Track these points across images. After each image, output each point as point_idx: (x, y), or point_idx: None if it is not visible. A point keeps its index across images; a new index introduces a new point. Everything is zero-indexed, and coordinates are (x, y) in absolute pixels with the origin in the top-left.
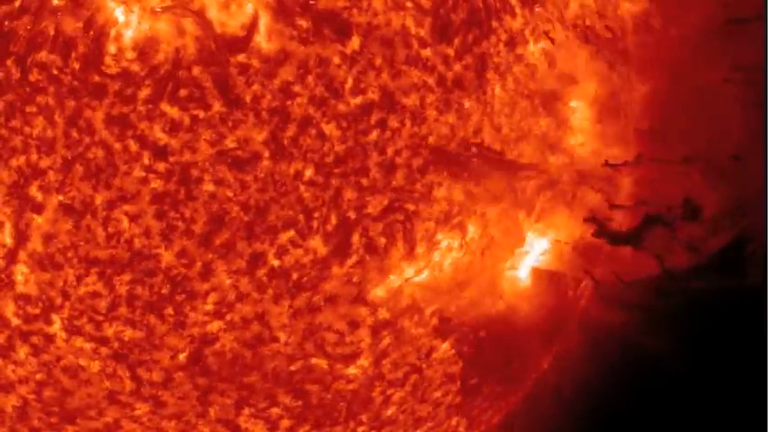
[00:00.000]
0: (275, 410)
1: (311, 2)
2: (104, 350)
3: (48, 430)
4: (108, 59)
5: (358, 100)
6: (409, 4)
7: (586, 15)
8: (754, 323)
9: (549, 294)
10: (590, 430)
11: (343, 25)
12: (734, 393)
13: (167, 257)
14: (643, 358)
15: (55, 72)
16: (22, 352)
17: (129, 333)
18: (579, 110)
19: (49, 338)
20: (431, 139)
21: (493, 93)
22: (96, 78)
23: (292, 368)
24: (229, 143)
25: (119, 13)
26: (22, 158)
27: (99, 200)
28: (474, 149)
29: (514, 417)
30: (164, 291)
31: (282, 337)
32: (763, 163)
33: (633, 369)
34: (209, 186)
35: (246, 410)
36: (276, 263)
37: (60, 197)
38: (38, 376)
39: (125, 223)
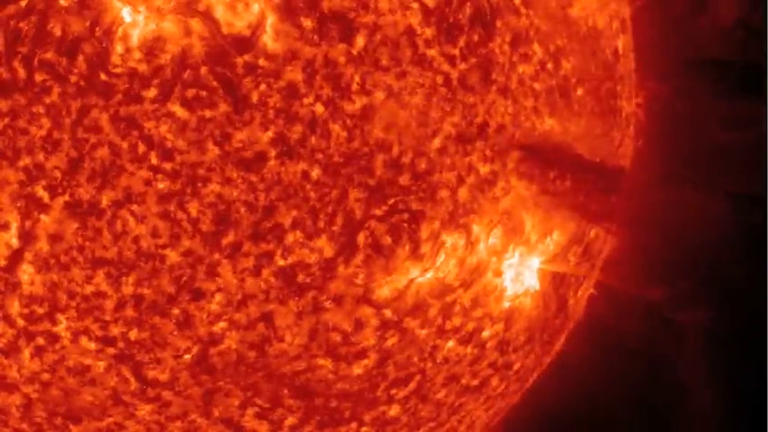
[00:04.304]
0: (279, 410)
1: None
2: (110, 350)
3: (52, 430)
4: (115, 59)
5: (364, 100)
6: (415, 5)
7: None
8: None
9: (551, 295)
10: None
11: (349, 25)
12: (739, 398)
13: (174, 257)
14: (646, 362)
15: (61, 72)
16: (27, 352)
17: (134, 333)
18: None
19: (55, 338)
20: (436, 140)
21: (497, 92)
22: (103, 78)
23: (297, 368)
24: (236, 143)
25: (125, 13)
26: (28, 158)
27: (105, 200)
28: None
29: (515, 417)
30: (170, 291)
31: (288, 337)
32: (764, 167)
33: (635, 372)
34: (215, 186)
35: (250, 410)
36: (282, 263)
37: (67, 197)
38: (43, 376)
39: (131, 223)
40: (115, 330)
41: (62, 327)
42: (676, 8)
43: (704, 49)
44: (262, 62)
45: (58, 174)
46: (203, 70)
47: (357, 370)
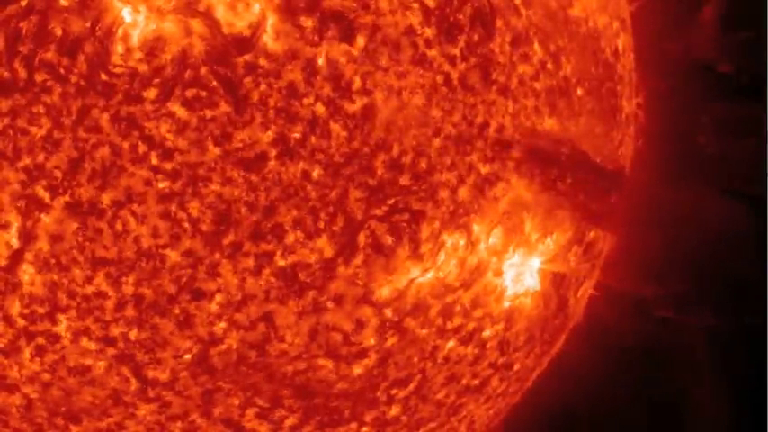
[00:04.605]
0: (279, 410)
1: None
2: (110, 350)
3: (52, 430)
4: (115, 59)
5: (365, 100)
6: (415, 5)
7: None
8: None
9: (552, 295)
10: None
11: (349, 25)
12: (739, 398)
13: (174, 257)
14: (646, 362)
15: (62, 72)
16: (28, 352)
17: (134, 333)
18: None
19: (55, 338)
20: (436, 140)
21: (497, 92)
22: (103, 78)
23: (298, 368)
24: (236, 143)
25: (125, 14)
26: (29, 159)
27: (106, 200)
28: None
29: (515, 417)
30: (170, 291)
31: (288, 337)
32: (763, 169)
33: (635, 372)
34: (216, 186)
35: (251, 411)
36: (282, 263)
37: (67, 197)
38: (43, 376)
39: (132, 223)
40: (115, 330)
41: (62, 327)
42: (675, 8)
43: (703, 50)
44: (262, 62)
45: (58, 174)
46: (204, 70)
47: (357, 370)
